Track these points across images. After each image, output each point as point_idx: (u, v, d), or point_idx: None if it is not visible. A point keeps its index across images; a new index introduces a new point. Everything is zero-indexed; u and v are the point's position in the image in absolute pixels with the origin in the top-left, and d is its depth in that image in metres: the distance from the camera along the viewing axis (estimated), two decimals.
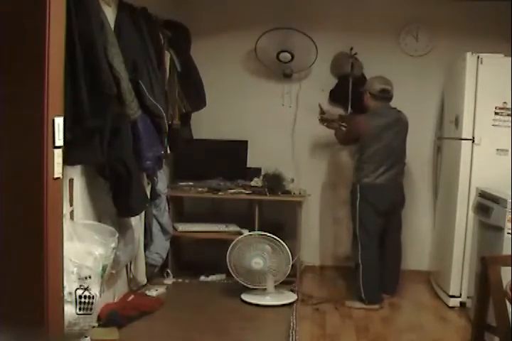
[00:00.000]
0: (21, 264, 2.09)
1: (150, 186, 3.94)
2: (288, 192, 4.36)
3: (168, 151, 3.97)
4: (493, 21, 4.35)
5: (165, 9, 4.18)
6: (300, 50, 4.53)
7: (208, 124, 4.67)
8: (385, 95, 4.00)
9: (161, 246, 4.10)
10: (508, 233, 3.18)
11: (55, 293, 2.18)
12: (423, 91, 4.60)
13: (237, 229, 4.32)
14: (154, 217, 4.03)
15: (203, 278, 4.45)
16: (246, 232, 4.10)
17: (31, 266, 2.09)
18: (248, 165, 4.65)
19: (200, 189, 4.43)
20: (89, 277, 2.70)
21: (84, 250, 2.73)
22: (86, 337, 2.82)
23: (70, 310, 2.59)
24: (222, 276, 4.43)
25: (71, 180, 2.95)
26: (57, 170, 2.13)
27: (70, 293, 2.61)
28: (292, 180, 4.43)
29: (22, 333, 1.76)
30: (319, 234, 4.84)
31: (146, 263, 3.99)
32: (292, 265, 3.99)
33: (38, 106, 2.03)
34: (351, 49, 4.55)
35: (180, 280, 4.40)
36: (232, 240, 3.97)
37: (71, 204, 2.95)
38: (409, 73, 4.57)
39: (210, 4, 4.66)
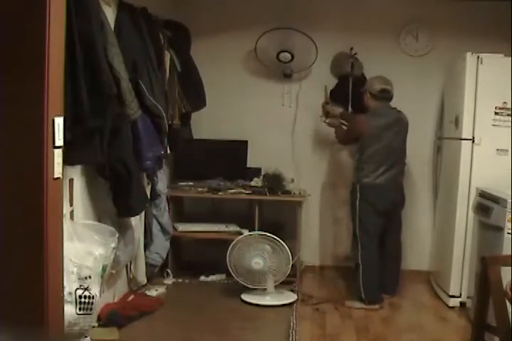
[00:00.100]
0: (21, 264, 2.09)
1: (150, 186, 3.94)
2: (288, 192, 4.36)
3: (168, 151, 3.97)
4: (493, 21, 4.35)
5: (165, 9, 4.18)
6: (300, 50, 4.53)
7: (208, 124, 4.67)
8: (385, 95, 4.00)
9: (161, 246, 4.10)
10: (508, 233, 3.18)
11: (55, 293, 2.18)
12: (423, 91, 4.60)
13: (237, 229, 4.32)
14: (154, 217, 4.04)
15: (203, 278, 4.45)
16: (246, 232, 4.10)
17: (31, 266, 2.09)
18: (248, 165, 4.65)
19: (200, 189, 4.43)
20: (89, 277, 2.70)
21: (84, 250, 2.73)
22: (86, 337, 2.83)
23: (70, 310, 2.59)
24: (222, 276, 4.43)
25: (71, 180, 2.95)
26: (57, 170, 2.14)
27: (70, 293, 2.61)
28: (292, 180, 4.43)
29: (22, 333, 1.76)
30: (319, 234, 4.84)
31: (146, 263, 3.99)
32: (292, 265, 3.99)
33: (38, 106, 2.03)
34: (351, 49, 4.55)
35: (180, 280, 4.40)
36: (232, 240, 3.97)
37: (71, 204, 2.95)
38: (409, 73, 4.57)
39: (210, 4, 4.66)
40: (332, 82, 4.64)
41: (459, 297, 3.92)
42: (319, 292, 4.28)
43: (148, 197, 3.82)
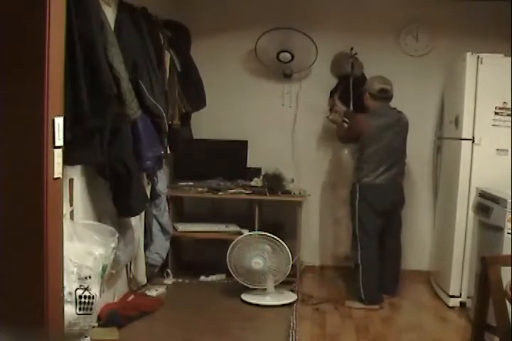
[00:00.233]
0: (21, 264, 2.09)
1: (150, 186, 3.94)
2: (288, 192, 4.36)
3: (168, 151, 3.97)
4: (493, 21, 4.35)
5: (165, 9, 4.18)
6: (300, 50, 4.53)
7: (208, 124, 4.67)
8: (385, 95, 4.00)
9: (161, 246, 4.09)
10: (508, 233, 3.18)
11: (55, 293, 2.18)
12: (423, 91, 4.60)
13: (237, 229, 4.32)
14: (154, 217, 4.03)
15: (203, 278, 4.45)
16: (246, 232, 4.10)
17: (31, 266, 2.09)
18: (248, 165, 4.65)
19: (200, 189, 4.43)
20: (89, 277, 2.70)
21: (84, 250, 2.73)
22: (86, 337, 2.83)
23: (70, 310, 2.59)
24: (222, 276, 4.43)
25: (71, 180, 2.95)
26: (57, 170, 2.14)
27: (70, 293, 2.61)
28: (292, 180, 4.43)
29: (22, 333, 1.76)
30: (319, 234, 4.84)
31: (146, 263, 3.99)
32: (292, 265, 3.99)
33: (38, 106, 2.03)
34: (351, 49, 4.55)
35: (180, 280, 4.40)
36: (232, 240, 3.97)
37: (71, 204, 2.95)
38: (409, 73, 4.57)
39: (210, 4, 4.66)
40: (332, 82, 4.64)
41: (459, 297, 3.92)
42: (319, 292, 4.27)
43: (148, 197, 3.82)
